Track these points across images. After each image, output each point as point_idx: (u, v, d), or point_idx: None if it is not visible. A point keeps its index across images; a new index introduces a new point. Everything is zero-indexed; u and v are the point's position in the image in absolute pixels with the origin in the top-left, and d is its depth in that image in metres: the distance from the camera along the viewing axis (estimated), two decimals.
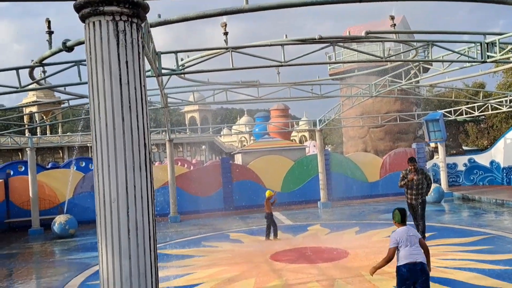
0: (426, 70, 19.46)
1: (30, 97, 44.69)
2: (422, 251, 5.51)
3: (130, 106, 2.64)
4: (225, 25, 8.81)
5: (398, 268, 5.50)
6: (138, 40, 2.74)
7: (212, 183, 20.14)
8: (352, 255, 10.22)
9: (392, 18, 9.62)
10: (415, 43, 10.56)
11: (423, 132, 24.75)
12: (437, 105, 35.42)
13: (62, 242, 14.90)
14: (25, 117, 38.45)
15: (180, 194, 19.20)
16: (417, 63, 12.66)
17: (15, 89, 8.64)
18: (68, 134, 24.54)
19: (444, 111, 21.75)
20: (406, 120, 22.97)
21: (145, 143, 2.68)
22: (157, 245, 9.31)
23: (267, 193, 13.30)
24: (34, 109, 36.20)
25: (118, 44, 2.64)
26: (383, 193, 21.13)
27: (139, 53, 2.73)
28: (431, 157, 25.50)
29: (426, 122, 21.17)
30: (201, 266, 10.15)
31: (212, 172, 20.56)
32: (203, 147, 59.07)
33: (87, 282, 9.55)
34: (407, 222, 5.84)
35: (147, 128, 2.71)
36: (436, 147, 22.30)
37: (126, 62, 2.66)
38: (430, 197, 18.43)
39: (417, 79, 13.28)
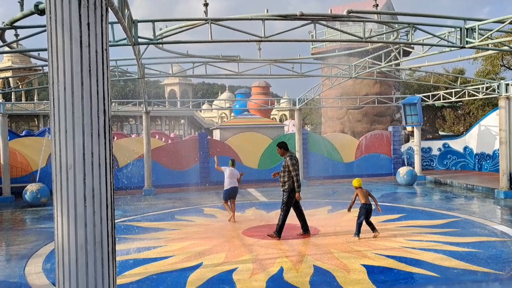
0: (407, 53, 19.51)
1: (5, 62, 43.35)
2: None
3: (90, 70, 2.54)
4: None
5: None
6: (101, 1, 2.62)
7: (189, 157, 20.05)
8: (322, 232, 10.37)
9: None
10: (396, 25, 10.53)
11: (400, 115, 25.02)
12: (417, 89, 35.81)
13: (33, 211, 14.71)
14: None
15: (156, 168, 19.08)
16: (397, 46, 12.66)
17: None
18: (44, 101, 23.92)
19: (423, 95, 21.97)
20: (385, 103, 23.15)
21: (104, 109, 2.59)
22: (129, 218, 9.23)
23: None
24: (8, 74, 35.17)
25: (80, 4, 2.53)
26: (357, 173, 21.34)
27: (102, 15, 2.62)
28: (407, 141, 25.87)
29: (403, 105, 21.38)
30: (173, 239, 10.15)
31: (189, 147, 20.44)
32: (182, 121, 58.63)
33: None
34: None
35: (108, 94, 2.62)
36: (412, 131, 22.60)
37: (88, 24, 2.55)
38: (403, 179, 18.79)
39: (397, 61, 13.30)
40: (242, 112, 27.54)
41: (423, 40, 10.70)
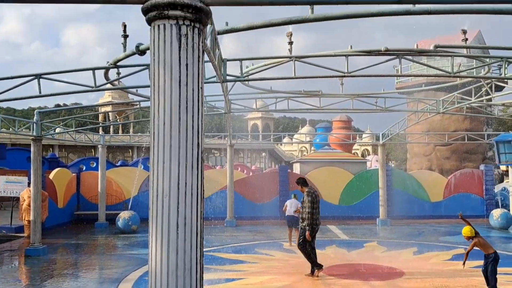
0: (499, 88, 18.41)
1: (106, 97, 47.38)
2: None
3: (187, 107, 2.77)
4: (291, 34, 8.90)
5: None
6: (199, 44, 2.87)
7: (269, 190, 20.23)
8: (407, 275, 9.86)
9: (464, 32, 9.24)
10: (487, 59, 10.06)
11: (493, 153, 23.39)
12: (511, 126, 33.35)
13: (124, 237, 15.59)
14: (100, 116, 40.76)
15: (238, 199, 19.46)
16: (489, 81, 12.03)
17: (90, 88, 9.22)
18: (138, 134, 25.69)
19: None
20: (475, 139, 21.83)
21: (198, 143, 2.79)
22: (212, 248, 9.51)
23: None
24: (108, 108, 38.28)
25: (180, 47, 2.79)
26: (446, 214, 20.18)
27: (199, 56, 2.86)
28: (501, 181, 24.03)
29: (496, 143, 19.97)
30: (253, 273, 10.22)
31: (270, 180, 20.67)
32: (263, 154, 59.48)
33: (145, 277, 9.93)
34: None
35: (201, 128, 2.83)
36: (507, 170, 20.97)
37: (186, 64, 2.80)
38: (497, 222, 17.38)
39: (488, 97, 12.60)
40: (323, 146, 27.41)
41: None
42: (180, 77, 2.77)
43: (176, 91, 2.76)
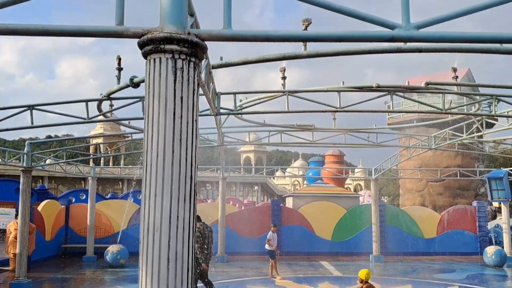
0: (490, 125, 18.67)
1: (98, 129, 47.32)
2: None
3: (181, 139, 2.76)
4: (284, 70, 9.02)
5: None
6: (194, 78, 2.89)
7: (261, 224, 20.00)
8: None
9: (454, 70, 9.43)
10: (478, 97, 10.23)
11: (485, 190, 23.47)
12: (502, 163, 33.63)
13: (112, 272, 15.24)
14: (91, 148, 40.57)
15: (229, 234, 19.20)
16: (479, 118, 12.20)
17: (82, 120, 9.21)
18: (129, 166, 25.55)
19: (510, 169, 20.58)
20: (467, 176, 21.93)
21: (191, 176, 2.77)
22: (202, 285, 9.23)
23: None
24: (100, 140, 38.17)
25: (175, 80, 2.80)
26: (439, 251, 20.03)
27: (194, 89, 2.88)
28: (494, 217, 24.04)
29: (488, 179, 20.08)
30: None
31: (262, 214, 20.48)
32: (256, 187, 59.19)
33: None
34: None
35: (195, 161, 2.81)
36: (500, 207, 20.99)
37: (181, 97, 2.81)
38: (491, 259, 17.24)
39: (479, 133, 12.75)
40: (316, 180, 27.34)
41: (507, 112, 10.25)
42: (174, 109, 2.78)
43: (170, 123, 2.76)
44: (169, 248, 2.63)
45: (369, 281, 8.23)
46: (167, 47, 2.78)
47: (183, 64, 2.83)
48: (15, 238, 13.85)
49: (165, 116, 2.76)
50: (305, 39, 3.43)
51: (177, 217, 2.68)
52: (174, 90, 2.80)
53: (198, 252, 9.93)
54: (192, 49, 2.84)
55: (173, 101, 2.79)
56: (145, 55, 2.89)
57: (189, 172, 2.76)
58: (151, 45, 2.81)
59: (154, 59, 2.83)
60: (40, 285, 13.06)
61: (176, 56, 2.81)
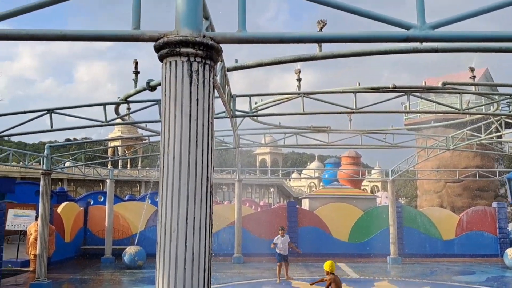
0: (509, 125, 18.36)
1: (116, 132, 47.89)
2: None
3: (197, 141, 2.79)
4: (299, 71, 9.01)
5: None
6: (209, 80, 2.92)
7: (277, 226, 19.96)
8: None
9: (472, 70, 9.30)
10: (496, 97, 10.08)
11: (505, 191, 23.07)
12: None
13: (130, 273, 15.39)
14: (109, 150, 41.06)
15: (245, 235, 19.23)
16: (498, 118, 12.01)
17: (100, 123, 9.34)
18: (146, 168, 25.80)
19: None
20: (487, 176, 21.57)
21: (207, 177, 2.80)
22: (219, 286, 9.34)
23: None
24: (118, 143, 38.61)
25: (191, 83, 2.84)
26: (458, 253, 19.74)
27: (209, 92, 2.91)
28: None
29: (509, 180, 19.71)
30: None
31: (278, 215, 20.46)
32: (272, 189, 59.15)
33: None
34: None
35: (211, 163, 2.84)
36: None
37: (197, 100, 2.84)
38: (509, 262, 16.94)
39: (498, 133, 12.55)
40: (332, 182, 27.21)
41: None
42: (190, 111, 2.81)
43: (186, 125, 2.79)
44: (185, 248, 2.66)
45: (334, 273, 8.78)
46: (183, 50, 2.81)
47: (198, 67, 2.86)
48: (36, 239, 14.10)
49: (181, 118, 2.79)
50: (320, 40, 3.43)
51: (194, 218, 2.71)
52: (190, 92, 2.83)
53: None
54: (207, 51, 2.88)
55: (189, 103, 2.82)
56: (161, 59, 2.93)
57: (205, 174, 2.79)
58: (167, 49, 2.85)
59: (170, 62, 2.86)
60: (60, 286, 13.27)
61: (192, 59, 2.84)
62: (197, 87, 2.85)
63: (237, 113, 9.28)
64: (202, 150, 2.80)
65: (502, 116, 11.81)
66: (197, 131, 2.80)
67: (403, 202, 39.31)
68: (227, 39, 3.04)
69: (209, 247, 2.79)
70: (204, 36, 2.88)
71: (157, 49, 2.91)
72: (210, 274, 2.78)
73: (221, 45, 3.07)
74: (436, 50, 6.47)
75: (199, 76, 2.86)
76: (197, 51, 2.83)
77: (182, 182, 2.72)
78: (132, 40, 3.08)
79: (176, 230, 2.68)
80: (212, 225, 2.88)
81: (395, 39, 3.27)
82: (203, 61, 2.88)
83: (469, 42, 3.37)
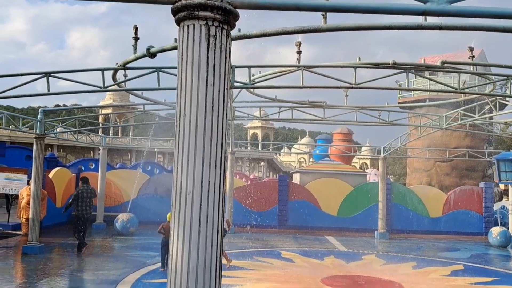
0: (502, 106, 18.53)
1: (107, 99, 47.37)
2: None
3: (213, 107, 2.80)
4: (299, 44, 8.97)
5: None
6: (226, 46, 2.91)
7: (268, 199, 20.23)
8: None
9: (471, 49, 9.34)
10: (493, 77, 10.16)
11: (493, 171, 23.49)
12: (511, 145, 33.52)
13: (122, 239, 15.54)
14: (100, 118, 40.71)
15: (237, 206, 19.44)
16: (493, 98, 12.13)
17: (98, 88, 9.26)
18: (138, 137, 25.70)
19: None
20: (476, 157, 21.91)
21: (222, 142, 2.82)
22: None
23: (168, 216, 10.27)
24: (109, 110, 38.29)
25: (208, 47, 2.83)
26: (444, 230, 20.19)
27: (226, 57, 2.90)
28: (500, 199, 24.09)
29: (497, 161, 20.06)
30: (252, 280, 10.21)
31: (269, 189, 20.67)
32: (262, 163, 59.48)
33: (142, 279, 9.91)
34: None
35: (225, 129, 2.86)
36: (506, 189, 21.03)
37: (214, 65, 2.83)
38: (495, 240, 17.39)
39: (491, 115, 12.70)
40: (323, 157, 27.44)
41: None
42: (207, 77, 2.81)
43: (203, 91, 2.79)
44: (200, 211, 2.71)
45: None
46: (201, 13, 2.79)
47: (216, 32, 2.84)
48: (28, 203, 14.12)
49: (198, 83, 2.79)
50: (333, 9, 3.40)
51: (208, 181, 2.75)
52: (207, 57, 2.82)
53: (80, 210, 12.60)
54: (225, 16, 2.85)
55: (206, 68, 2.81)
56: (178, 22, 2.90)
57: (220, 139, 2.82)
58: (185, 12, 2.82)
59: (188, 26, 2.84)
60: (52, 250, 13.38)
61: (210, 23, 2.82)
62: (214, 52, 2.83)
63: (236, 84, 9.25)
64: (218, 116, 2.81)
65: (497, 97, 11.93)
66: (213, 96, 2.81)
67: (391, 179, 39.87)
68: (244, 5, 3.01)
69: (222, 211, 2.84)
70: (222, 0, 2.85)
71: (175, 12, 2.88)
72: (222, 236, 2.85)
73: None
74: (440, 28, 6.46)
75: (216, 41, 2.84)
76: (215, 15, 2.81)
77: (198, 147, 2.75)
78: (149, 1, 3.04)
79: (191, 192, 2.72)
80: (225, 189, 2.93)
81: (412, 12, 3.27)
82: (221, 25, 2.86)
83: (486, 17, 3.36)
